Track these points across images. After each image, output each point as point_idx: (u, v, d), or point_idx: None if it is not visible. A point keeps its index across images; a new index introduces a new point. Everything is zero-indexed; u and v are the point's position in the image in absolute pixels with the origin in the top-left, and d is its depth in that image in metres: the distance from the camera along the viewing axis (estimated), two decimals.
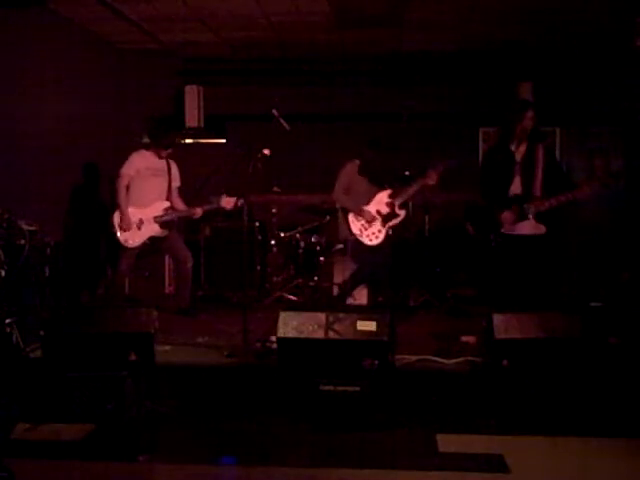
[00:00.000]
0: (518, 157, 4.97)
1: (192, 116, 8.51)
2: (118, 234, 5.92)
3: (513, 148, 4.99)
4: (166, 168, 6.16)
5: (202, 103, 8.53)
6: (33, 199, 6.14)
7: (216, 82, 8.68)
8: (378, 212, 6.06)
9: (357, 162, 6.16)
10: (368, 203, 6.10)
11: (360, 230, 6.07)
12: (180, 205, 6.23)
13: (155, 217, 6.03)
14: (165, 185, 6.15)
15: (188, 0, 6.61)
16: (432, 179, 5.91)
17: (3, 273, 4.84)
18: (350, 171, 6.17)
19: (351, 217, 6.11)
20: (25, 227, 5.18)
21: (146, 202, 6.03)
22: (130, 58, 8.44)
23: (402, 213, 6.09)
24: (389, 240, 6.13)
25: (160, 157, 6.12)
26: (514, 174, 4.95)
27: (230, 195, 5.88)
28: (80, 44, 7.47)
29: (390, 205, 6.06)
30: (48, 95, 6.82)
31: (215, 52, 8.49)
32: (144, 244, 6.04)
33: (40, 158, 6.47)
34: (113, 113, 8.03)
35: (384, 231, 6.05)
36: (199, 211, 6.13)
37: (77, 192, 7.30)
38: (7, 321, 4.71)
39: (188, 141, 8.68)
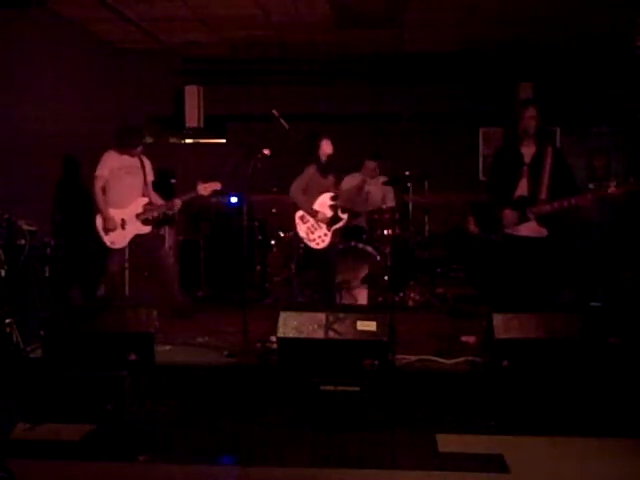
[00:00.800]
0: (527, 159, 4.94)
1: (192, 116, 8.52)
2: (104, 237, 5.89)
3: (521, 149, 4.97)
4: (139, 164, 6.08)
5: (202, 103, 8.53)
6: (33, 199, 6.13)
7: (216, 82, 8.68)
8: (323, 215, 6.02)
9: (314, 165, 6.05)
10: (313, 204, 6.03)
11: (307, 233, 6.00)
12: (158, 199, 6.16)
13: (137, 215, 5.99)
14: (141, 182, 6.08)
15: (188, 0, 6.62)
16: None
17: (3, 273, 4.84)
18: (312, 172, 6.04)
19: (297, 218, 6.03)
20: (25, 227, 5.18)
21: (125, 202, 5.95)
22: (130, 58, 8.44)
23: (345, 217, 6.04)
24: (335, 245, 6.11)
25: (132, 155, 6.08)
26: (521, 175, 4.92)
27: (205, 181, 5.85)
28: (80, 44, 7.47)
29: (333, 208, 6.01)
30: (48, 95, 6.82)
31: (215, 52, 8.50)
32: (131, 243, 6.00)
33: (40, 158, 6.47)
34: (113, 113, 8.03)
35: (330, 234, 5.99)
36: (178, 202, 6.00)
37: (61, 188, 7.15)
38: (7, 321, 4.71)
39: (188, 141, 8.69)
